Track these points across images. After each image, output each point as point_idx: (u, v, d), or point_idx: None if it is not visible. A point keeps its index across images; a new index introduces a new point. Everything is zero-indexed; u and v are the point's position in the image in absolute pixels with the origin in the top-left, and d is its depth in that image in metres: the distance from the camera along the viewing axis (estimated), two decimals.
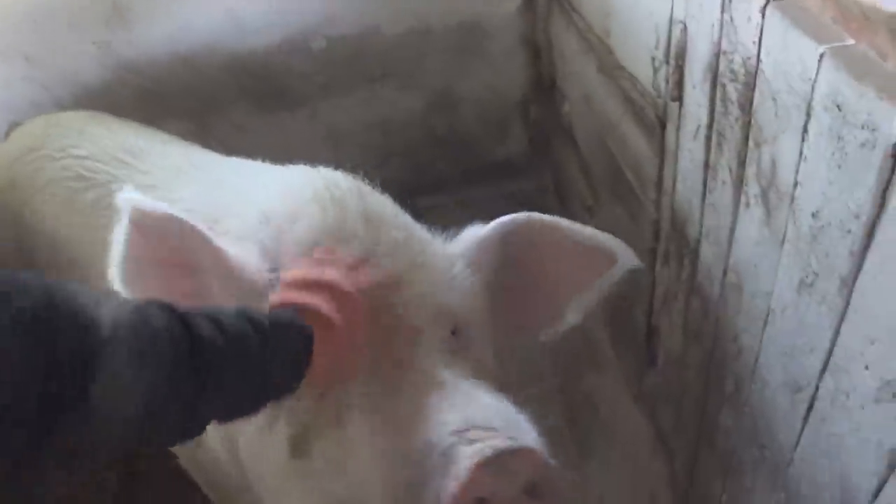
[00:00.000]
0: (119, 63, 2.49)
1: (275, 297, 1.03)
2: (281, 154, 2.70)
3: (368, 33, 2.56)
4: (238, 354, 0.82)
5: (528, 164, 2.89)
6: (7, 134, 2.16)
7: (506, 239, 1.28)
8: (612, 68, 1.80)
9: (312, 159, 2.72)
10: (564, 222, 1.27)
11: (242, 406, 0.88)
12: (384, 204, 1.27)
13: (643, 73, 1.58)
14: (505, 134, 2.84)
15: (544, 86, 2.69)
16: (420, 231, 1.27)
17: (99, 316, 0.69)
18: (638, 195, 1.74)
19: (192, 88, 2.58)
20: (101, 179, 1.63)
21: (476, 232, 1.30)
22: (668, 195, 1.54)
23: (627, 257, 1.25)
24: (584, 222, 2.28)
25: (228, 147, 2.66)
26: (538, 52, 2.65)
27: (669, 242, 1.58)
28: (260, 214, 1.23)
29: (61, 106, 2.52)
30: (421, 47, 2.60)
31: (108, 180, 1.61)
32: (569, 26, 2.21)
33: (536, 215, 1.28)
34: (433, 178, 2.87)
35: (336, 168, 2.63)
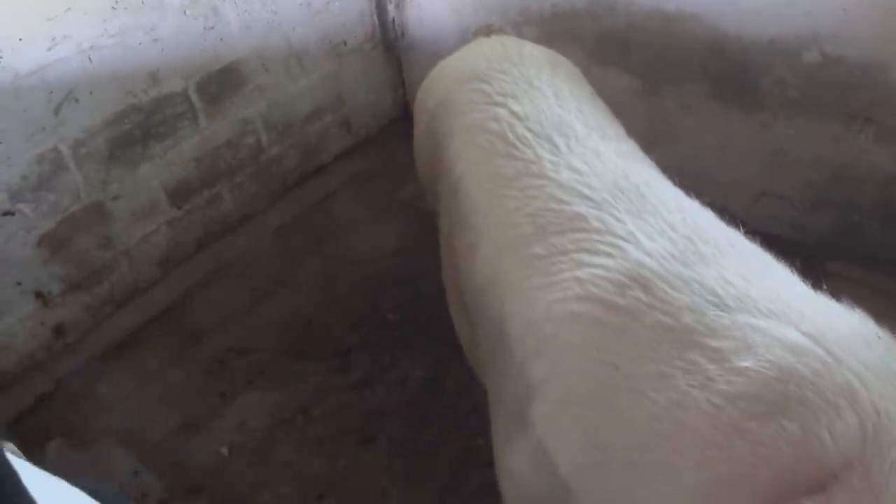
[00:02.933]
0: None
1: None
2: (714, 152, 2.51)
3: (873, 66, 2.18)
4: None
5: None
6: (475, 34, 2.15)
7: None
8: None
9: (744, 169, 2.50)
10: None
11: None
12: None
13: None
14: None
15: None
16: None
17: None
18: None
19: (657, 49, 2.43)
20: (526, 156, 1.44)
21: None
22: None
23: None
24: None
25: (666, 121, 2.52)
26: None
27: None
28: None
29: (527, 15, 2.51)
30: None
31: (532, 160, 1.42)
32: None
33: None
34: (860, 248, 2.46)
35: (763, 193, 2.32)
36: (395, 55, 3.12)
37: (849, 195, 2.41)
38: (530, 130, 1.49)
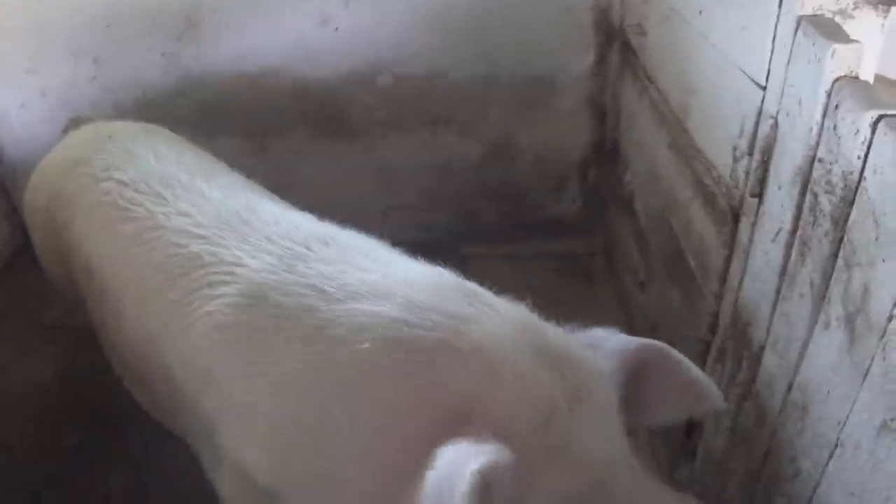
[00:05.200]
0: (184, 75, 2.50)
1: None
2: (333, 184, 2.71)
3: (436, 75, 2.53)
4: None
5: (580, 226, 2.82)
6: (65, 129, 2.15)
7: (639, 358, 1.22)
8: (685, 147, 1.74)
9: (364, 192, 2.73)
10: (686, 360, 1.22)
11: None
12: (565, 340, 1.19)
13: (721, 160, 1.51)
14: (560, 192, 2.78)
15: (606, 149, 2.63)
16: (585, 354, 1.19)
17: None
18: (698, 283, 1.67)
19: (252, 109, 2.57)
20: (138, 213, 1.54)
21: (619, 345, 1.23)
22: (732, 291, 1.46)
23: (719, 403, 1.21)
24: (635, 297, 2.26)
25: (282, 169, 2.67)
26: (604, 116, 2.60)
27: (727, 340, 1.50)
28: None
29: (122, 109, 2.53)
30: (486, 96, 2.57)
31: (145, 216, 1.52)
32: (641, 96, 2.15)
33: (669, 348, 1.24)
34: (482, 228, 2.82)
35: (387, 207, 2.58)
36: (0, 183, 2.97)
37: (456, 187, 2.75)
38: (138, 191, 1.58)
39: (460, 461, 0.90)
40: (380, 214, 2.76)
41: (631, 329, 2.32)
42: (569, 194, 2.79)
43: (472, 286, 1.24)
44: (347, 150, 2.67)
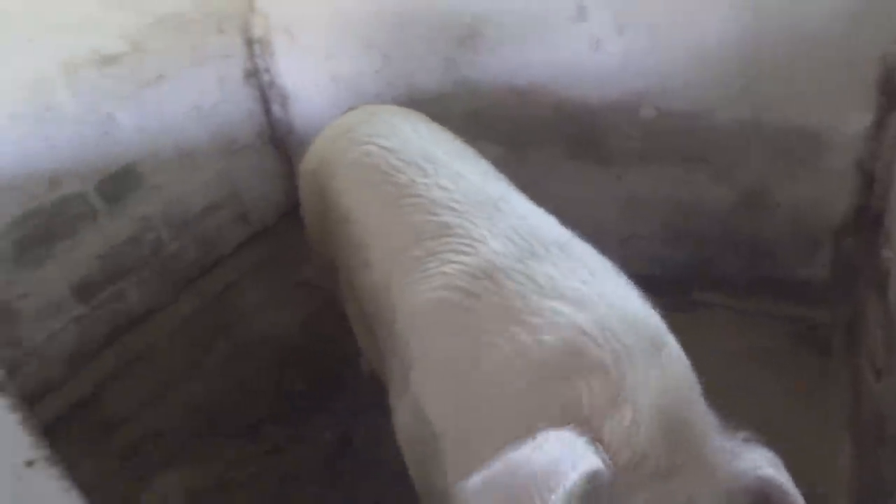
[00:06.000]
0: (459, 80, 2.69)
1: None
2: (582, 203, 2.78)
3: (698, 114, 2.51)
4: None
5: (826, 294, 2.66)
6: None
7: (764, 491, 1.17)
8: None
9: (609, 217, 2.77)
10: None
11: None
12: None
13: None
14: (812, 255, 2.63)
15: (868, 219, 2.46)
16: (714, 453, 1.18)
17: None
18: None
19: (515, 120, 2.71)
20: (401, 181, 1.73)
21: (754, 472, 1.17)
22: None
23: None
24: (868, 382, 2.10)
25: (533, 182, 2.78)
26: (871, 182, 2.43)
27: None
28: None
29: (399, 103, 2.75)
30: (747, 142, 2.50)
31: (407, 183, 1.71)
32: None
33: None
34: (718, 275, 2.74)
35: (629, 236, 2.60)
36: (286, 151, 3.34)
37: (700, 229, 2.70)
38: (400, 160, 1.80)
39: (571, 455, 1.02)
40: (619, 241, 2.78)
41: (857, 415, 2.17)
42: (820, 258, 2.63)
43: (665, 338, 1.28)
44: (599, 173, 2.73)
